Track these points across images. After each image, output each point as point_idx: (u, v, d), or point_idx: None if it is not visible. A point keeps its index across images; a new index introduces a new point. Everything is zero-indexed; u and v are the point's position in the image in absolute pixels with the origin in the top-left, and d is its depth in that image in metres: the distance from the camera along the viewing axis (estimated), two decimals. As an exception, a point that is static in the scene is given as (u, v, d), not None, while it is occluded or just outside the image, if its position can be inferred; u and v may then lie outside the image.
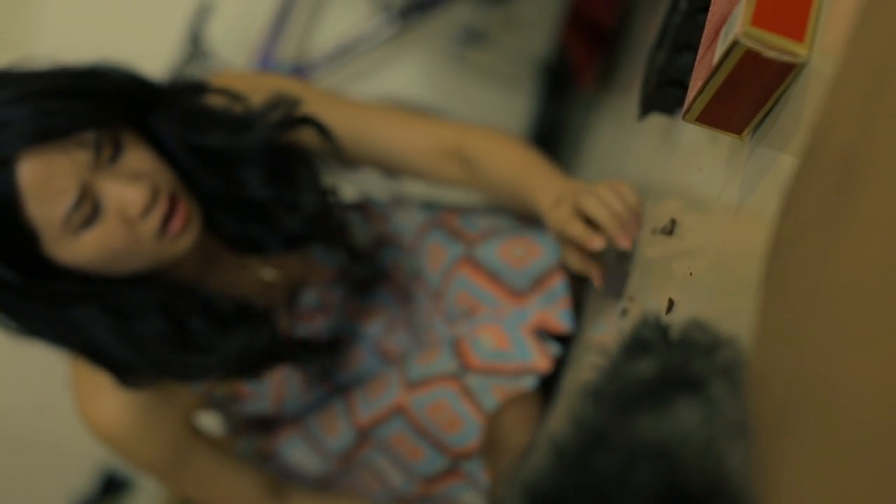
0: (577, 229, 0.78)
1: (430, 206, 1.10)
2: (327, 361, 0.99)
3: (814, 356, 0.21)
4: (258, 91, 0.93)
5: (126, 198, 0.80)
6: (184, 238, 0.84)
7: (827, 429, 0.20)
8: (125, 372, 0.88)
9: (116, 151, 0.81)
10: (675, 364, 0.45)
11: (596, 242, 0.76)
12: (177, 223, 0.83)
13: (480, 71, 2.23)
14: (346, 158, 0.99)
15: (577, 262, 0.82)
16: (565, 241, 0.81)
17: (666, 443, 0.38)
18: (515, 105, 2.28)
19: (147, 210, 0.81)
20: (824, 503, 0.20)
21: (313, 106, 0.96)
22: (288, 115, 0.92)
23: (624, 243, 0.75)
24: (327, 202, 0.95)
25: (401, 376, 0.96)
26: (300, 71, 1.95)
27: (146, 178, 0.81)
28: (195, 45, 1.99)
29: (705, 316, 0.54)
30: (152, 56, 1.18)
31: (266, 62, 2.01)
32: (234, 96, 0.92)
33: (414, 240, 1.04)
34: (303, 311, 1.00)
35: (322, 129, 0.94)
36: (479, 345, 0.92)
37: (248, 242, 0.93)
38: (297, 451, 1.04)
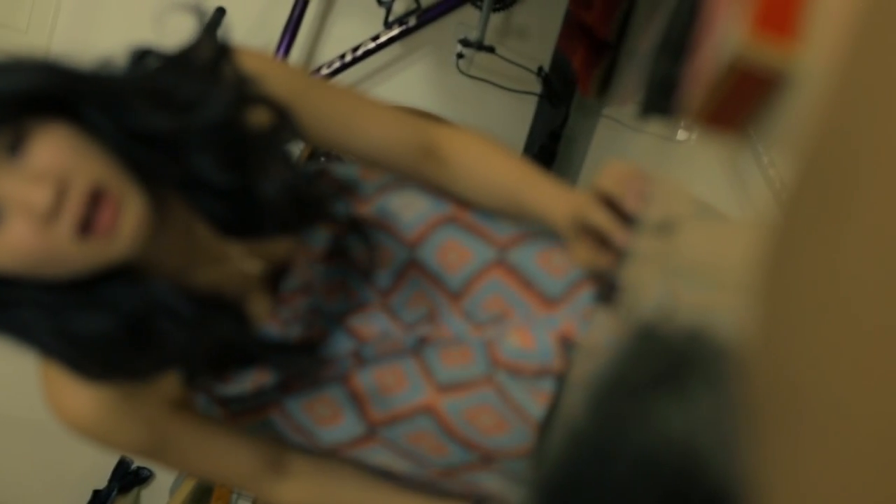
0: (602, 217, 0.77)
1: (432, 196, 1.02)
2: (307, 364, 0.93)
3: (814, 357, 0.21)
4: (266, 75, 0.88)
5: (23, 198, 0.72)
6: (122, 235, 0.74)
7: (826, 429, 0.20)
8: (81, 373, 0.82)
9: (15, 148, 0.73)
10: (674, 364, 0.45)
11: (620, 235, 0.76)
12: (105, 220, 0.73)
13: (482, 78, 2.24)
14: (310, 141, 0.95)
15: (587, 254, 0.80)
16: (578, 231, 0.80)
17: (665, 442, 0.39)
18: (517, 111, 2.29)
19: (54, 211, 0.72)
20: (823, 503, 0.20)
21: (300, 91, 0.91)
22: (241, 95, 0.84)
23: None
24: (288, 189, 0.86)
25: (427, 375, 0.93)
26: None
27: (51, 176, 0.72)
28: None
29: (705, 316, 0.55)
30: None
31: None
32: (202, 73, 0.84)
33: (420, 231, 0.99)
34: (286, 294, 0.95)
35: (278, 110, 0.86)
36: (505, 344, 0.93)
37: (244, 226, 0.87)
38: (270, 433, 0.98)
